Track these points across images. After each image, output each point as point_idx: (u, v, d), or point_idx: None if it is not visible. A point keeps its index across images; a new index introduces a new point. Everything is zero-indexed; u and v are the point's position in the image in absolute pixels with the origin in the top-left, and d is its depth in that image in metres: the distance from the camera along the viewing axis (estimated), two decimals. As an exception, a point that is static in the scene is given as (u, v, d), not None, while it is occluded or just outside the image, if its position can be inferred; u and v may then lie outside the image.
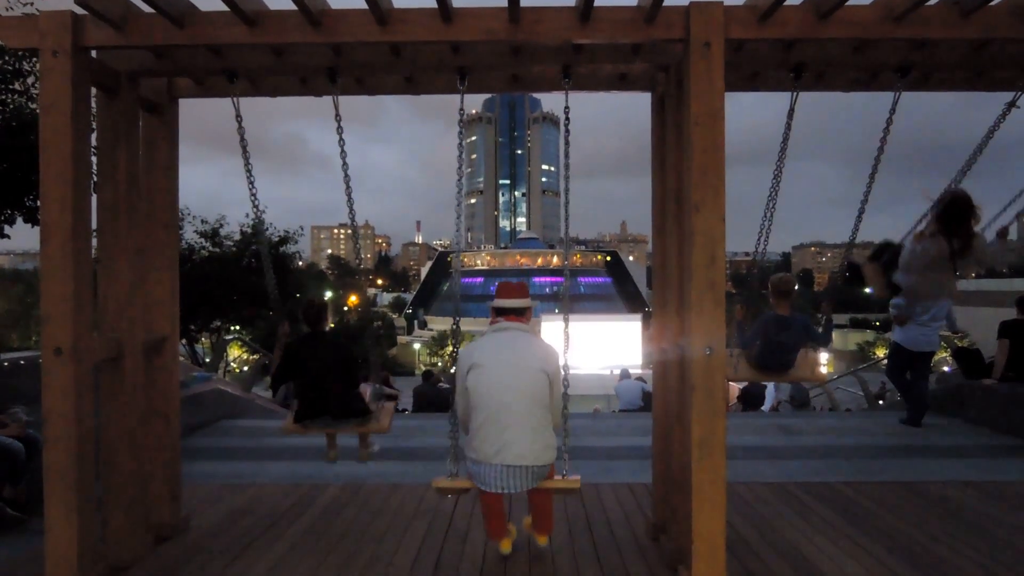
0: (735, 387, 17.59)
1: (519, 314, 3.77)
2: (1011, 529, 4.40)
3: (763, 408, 11.26)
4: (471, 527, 4.49)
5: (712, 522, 3.27)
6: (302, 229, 22.94)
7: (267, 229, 21.96)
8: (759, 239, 4.41)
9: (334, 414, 4.61)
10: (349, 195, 4.24)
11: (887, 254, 5.01)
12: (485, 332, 3.78)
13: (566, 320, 4.03)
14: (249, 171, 4.20)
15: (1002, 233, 4.58)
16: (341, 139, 4.08)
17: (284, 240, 21.93)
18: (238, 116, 4.04)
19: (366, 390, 4.89)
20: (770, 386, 11.31)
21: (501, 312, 3.78)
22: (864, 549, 4.07)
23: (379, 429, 4.71)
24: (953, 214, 4.44)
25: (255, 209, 4.37)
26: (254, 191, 4.30)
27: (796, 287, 5.41)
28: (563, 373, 3.68)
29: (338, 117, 4.05)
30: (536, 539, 4.01)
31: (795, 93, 3.98)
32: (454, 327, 4.20)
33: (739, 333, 5.33)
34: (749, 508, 4.81)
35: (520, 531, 4.19)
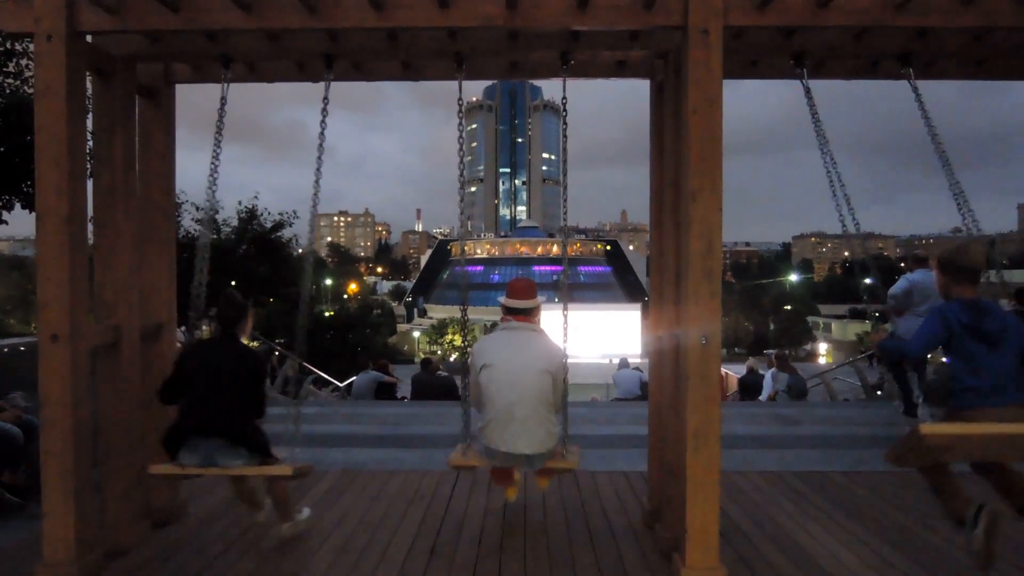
0: (733, 376, 17.58)
1: (527, 314, 3.89)
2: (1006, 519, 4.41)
3: (760, 398, 11.28)
4: (467, 513, 4.51)
5: (706, 510, 3.29)
6: (296, 213, 22.43)
7: (260, 215, 21.82)
8: (844, 217, 3.65)
9: (223, 435, 3.50)
10: (317, 179, 3.98)
11: None
12: (497, 327, 3.96)
13: (565, 311, 4.14)
14: (216, 155, 3.99)
15: None
16: (323, 122, 4.03)
17: (277, 226, 21.72)
18: (223, 99, 3.95)
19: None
20: (767, 375, 11.31)
21: (511, 311, 3.90)
22: (859, 538, 4.08)
23: (303, 475, 3.92)
24: None
25: (210, 200, 4.03)
26: (215, 177, 3.99)
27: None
28: (566, 369, 3.85)
29: (325, 99, 4.00)
30: (537, 482, 4.38)
31: (804, 82, 3.89)
32: (462, 315, 4.22)
33: (884, 352, 3.54)
34: (744, 497, 4.83)
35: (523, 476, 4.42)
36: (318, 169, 3.96)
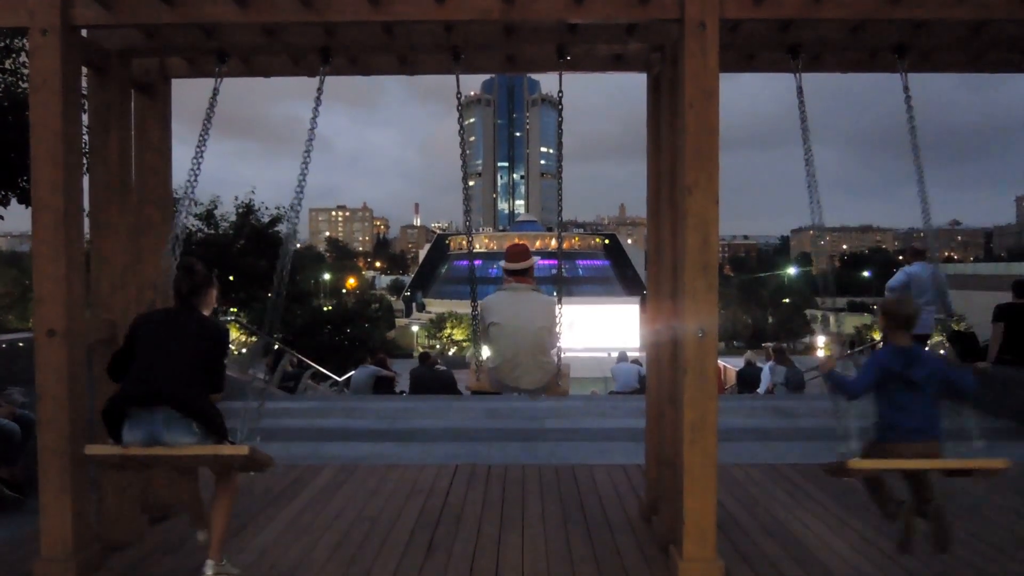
0: (732, 369, 17.58)
1: (524, 273, 4.51)
2: (1001, 511, 4.44)
3: (758, 391, 11.30)
4: (465, 507, 4.52)
5: (703, 503, 3.31)
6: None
7: (257, 210, 21.86)
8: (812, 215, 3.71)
9: (171, 404, 3.10)
10: (303, 175, 3.90)
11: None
12: (501, 288, 4.53)
13: (560, 305, 4.26)
14: (200, 150, 3.90)
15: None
16: (314, 118, 3.89)
17: (274, 221, 21.71)
18: (215, 93, 3.88)
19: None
20: (765, 368, 11.33)
21: (511, 273, 4.51)
22: (854, 530, 4.11)
23: (263, 464, 3.41)
24: None
25: (190, 189, 3.89)
26: (196, 173, 3.84)
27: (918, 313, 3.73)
28: (558, 319, 4.33)
29: (319, 94, 3.90)
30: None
31: (798, 75, 3.89)
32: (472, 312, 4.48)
33: (829, 382, 3.83)
34: (741, 489, 4.84)
35: None
36: (304, 164, 3.86)
